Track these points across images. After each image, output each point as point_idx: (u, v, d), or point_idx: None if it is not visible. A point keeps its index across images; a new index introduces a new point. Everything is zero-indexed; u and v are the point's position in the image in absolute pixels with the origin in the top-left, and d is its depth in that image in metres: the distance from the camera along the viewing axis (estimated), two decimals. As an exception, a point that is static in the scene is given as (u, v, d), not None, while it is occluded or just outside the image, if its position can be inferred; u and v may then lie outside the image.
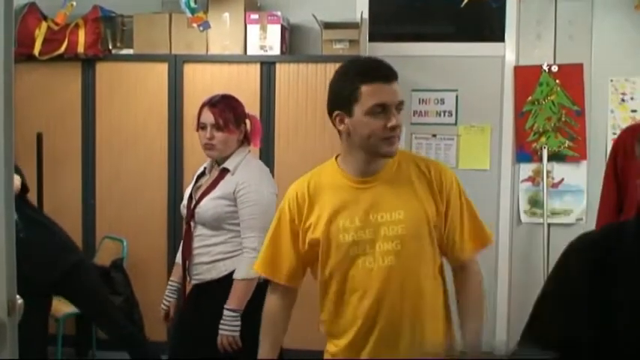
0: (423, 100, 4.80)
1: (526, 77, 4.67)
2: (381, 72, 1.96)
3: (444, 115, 4.80)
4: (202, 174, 2.96)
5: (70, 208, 4.59)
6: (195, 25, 4.07)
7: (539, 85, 4.65)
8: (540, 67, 4.65)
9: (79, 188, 4.63)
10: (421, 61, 4.74)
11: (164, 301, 2.98)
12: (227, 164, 2.83)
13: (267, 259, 2.13)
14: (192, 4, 3.93)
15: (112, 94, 4.57)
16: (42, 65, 4.52)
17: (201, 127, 2.84)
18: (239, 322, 2.69)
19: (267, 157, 4.39)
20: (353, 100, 1.93)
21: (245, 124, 2.90)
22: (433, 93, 4.79)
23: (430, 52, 4.73)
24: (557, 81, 4.63)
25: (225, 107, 2.83)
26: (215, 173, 2.87)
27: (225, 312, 2.69)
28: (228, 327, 2.68)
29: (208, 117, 2.81)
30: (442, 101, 4.78)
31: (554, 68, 4.63)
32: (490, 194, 4.72)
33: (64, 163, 4.61)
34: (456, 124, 4.78)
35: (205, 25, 4.07)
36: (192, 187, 2.92)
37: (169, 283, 3.00)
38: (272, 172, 4.29)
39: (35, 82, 4.57)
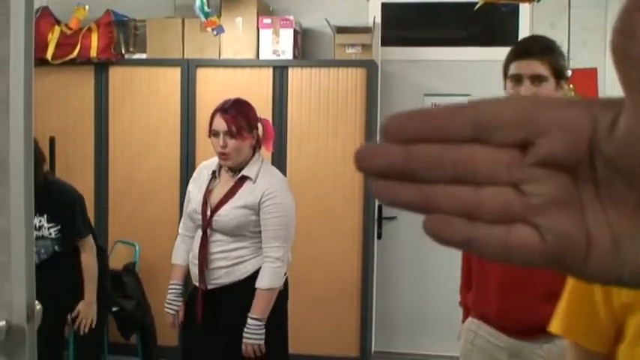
0: (436, 105, 4.78)
1: (539, 82, 4.64)
2: None
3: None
4: (212, 177, 2.88)
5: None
6: (209, 29, 4.07)
7: (553, 90, 4.62)
8: (554, 71, 4.62)
9: (92, 192, 4.63)
10: (434, 65, 4.72)
11: (172, 306, 2.93)
12: (246, 172, 2.78)
13: (572, 316, 1.44)
14: (206, 9, 3.93)
15: (125, 99, 4.58)
16: (55, 69, 4.53)
17: (213, 134, 2.79)
18: (264, 330, 2.70)
19: (279, 161, 4.39)
20: None
21: (257, 128, 2.86)
22: (446, 98, 4.77)
23: (443, 57, 4.72)
24: (571, 86, 4.60)
25: (238, 113, 2.77)
26: (228, 179, 2.82)
27: (250, 321, 2.69)
28: (254, 335, 2.69)
29: (221, 124, 2.75)
30: (455, 106, 4.76)
31: (568, 73, 4.60)
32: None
33: (76, 167, 4.62)
34: (468, 128, 4.75)
35: (219, 30, 4.07)
36: (205, 192, 2.86)
37: (172, 286, 2.95)
38: (284, 175, 4.31)
39: (48, 86, 4.57)
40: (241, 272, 2.77)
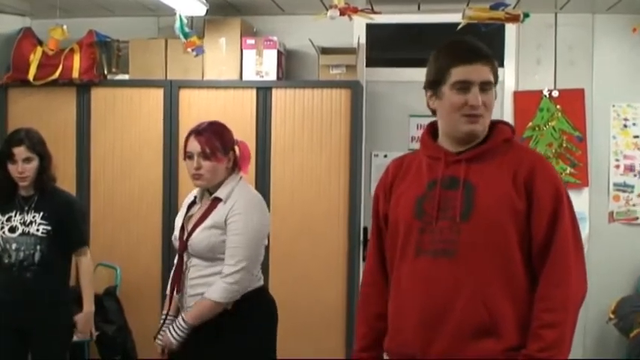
0: (421, 125, 4.74)
1: (526, 102, 4.60)
2: None
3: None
4: (193, 202, 2.89)
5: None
6: (189, 50, 4.02)
7: (540, 111, 4.59)
8: (541, 92, 4.59)
9: (74, 214, 4.56)
10: (419, 86, 4.62)
11: (160, 336, 2.86)
12: (219, 193, 2.75)
13: None
14: (186, 29, 3.89)
15: (107, 120, 4.53)
16: (37, 90, 4.49)
17: (188, 156, 2.78)
18: (185, 335, 2.68)
19: (263, 182, 4.33)
20: None
21: (234, 150, 2.83)
22: (432, 118, 4.71)
23: (429, 78, 4.69)
24: (558, 106, 4.56)
25: (212, 135, 2.75)
26: (206, 202, 2.80)
27: (180, 320, 2.69)
28: (174, 334, 2.69)
29: (195, 146, 2.74)
30: (441, 127, 4.71)
31: (555, 93, 4.57)
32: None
33: None
34: (455, 150, 4.70)
35: (199, 51, 4.03)
36: (184, 217, 2.85)
37: (164, 316, 2.91)
38: (268, 197, 4.28)
39: (30, 107, 4.53)
40: None
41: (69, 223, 3.32)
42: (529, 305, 1.89)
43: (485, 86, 1.97)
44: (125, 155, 4.52)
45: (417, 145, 4.61)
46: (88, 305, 3.40)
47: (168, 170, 4.45)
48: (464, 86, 1.95)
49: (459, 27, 3.86)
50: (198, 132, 2.77)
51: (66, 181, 4.52)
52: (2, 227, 3.24)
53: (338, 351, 4.37)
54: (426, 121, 4.65)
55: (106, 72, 4.51)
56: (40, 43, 4.51)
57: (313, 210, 4.34)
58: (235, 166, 2.83)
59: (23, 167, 3.22)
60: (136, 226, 4.52)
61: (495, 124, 2.06)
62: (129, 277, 4.44)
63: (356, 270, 4.43)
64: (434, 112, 2.09)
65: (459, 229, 1.92)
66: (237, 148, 2.84)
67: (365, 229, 4.67)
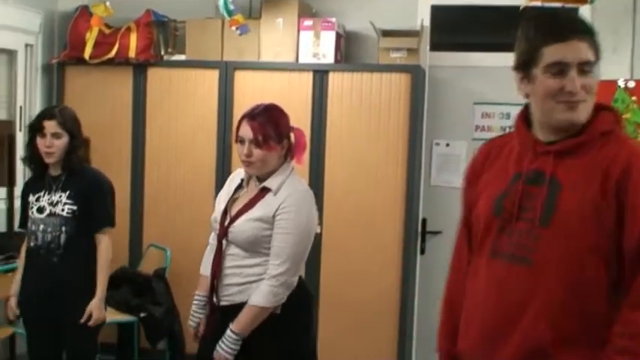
0: (486, 113, 4.52)
1: (600, 93, 4.26)
2: None
3: (510, 130, 4.50)
4: (239, 186, 2.75)
5: (117, 213, 4.48)
6: (233, 28, 3.90)
7: (614, 102, 4.30)
8: (615, 82, 4.30)
9: (128, 194, 4.53)
10: (486, 72, 4.44)
11: (192, 318, 2.79)
12: (268, 183, 2.60)
13: None
14: (230, 7, 3.75)
15: (163, 101, 4.48)
16: (93, 69, 4.47)
17: (239, 140, 2.61)
18: (238, 346, 2.54)
19: (317, 169, 4.21)
20: None
21: (289, 138, 2.65)
22: (498, 107, 4.50)
23: (495, 63, 4.41)
24: (634, 98, 4.27)
25: (267, 121, 2.56)
26: (254, 189, 2.65)
27: (229, 332, 2.54)
28: (227, 348, 2.54)
29: (247, 131, 2.56)
30: (507, 116, 4.48)
31: (631, 84, 4.28)
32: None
33: (112, 168, 4.46)
34: (521, 140, 4.47)
35: (243, 29, 3.89)
36: (229, 200, 2.72)
37: (196, 297, 2.81)
38: (321, 187, 4.16)
39: (86, 85, 4.52)
40: (252, 293, 2.58)
41: (95, 200, 3.19)
42: (604, 329, 1.65)
43: (585, 67, 1.72)
44: (180, 137, 4.47)
45: (481, 135, 4.43)
46: (100, 291, 3.19)
47: (222, 153, 4.37)
48: (559, 69, 1.70)
49: (521, 8, 3.61)
50: (252, 116, 2.59)
51: (121, 162, 4.54)
52: (32, 207, 3.19)
53: (390, 345, 4.23)
54: (492, 108, 4.51)
55: (162, 52, 4.45)
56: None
57: (368, 200, 4.19)
58: (288, 155, 2.66)
59: (51, 142, 3.11)
60: (190, 208, 4.47)
61: (598, 111, 1.80)
62: (180, 260, 4.38)
63: (411, 264, 4.28)
64: (527, 97, 1.83)
65: (537, 234, 1.71)
66: (292, 136, 2.67)
67: (424, 220, 4.49)
